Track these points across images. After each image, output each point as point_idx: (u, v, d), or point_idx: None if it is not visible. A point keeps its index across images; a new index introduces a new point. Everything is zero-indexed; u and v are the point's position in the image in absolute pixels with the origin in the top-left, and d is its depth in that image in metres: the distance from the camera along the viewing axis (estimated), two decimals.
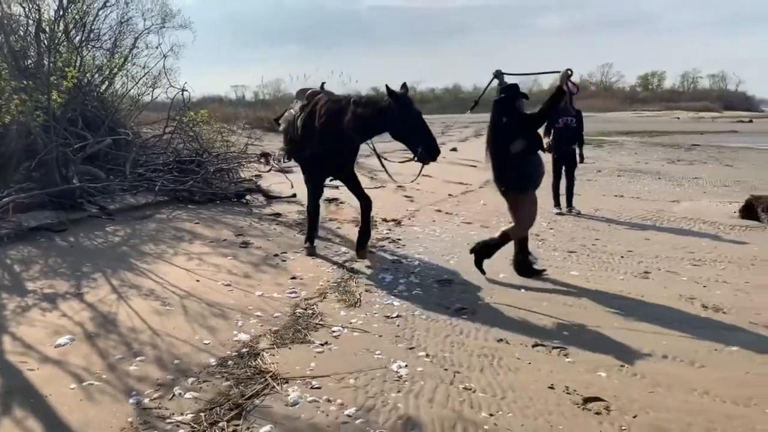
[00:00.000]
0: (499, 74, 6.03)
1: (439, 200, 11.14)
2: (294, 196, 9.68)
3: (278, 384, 3.72)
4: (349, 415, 3.39)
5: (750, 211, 9.00)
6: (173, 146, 10.71)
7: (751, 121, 49.00)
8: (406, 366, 4.02)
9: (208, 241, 7.08)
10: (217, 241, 7.12)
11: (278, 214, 8.55)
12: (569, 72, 5.77)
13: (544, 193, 9.89)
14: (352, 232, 7.95)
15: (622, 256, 6.95)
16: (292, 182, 10.11)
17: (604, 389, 3.71)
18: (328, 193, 10.38)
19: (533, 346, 4.42)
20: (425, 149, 5.89)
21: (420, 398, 3.60)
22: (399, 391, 3.67)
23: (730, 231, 8.44)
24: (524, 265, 6.15)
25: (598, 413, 3.44)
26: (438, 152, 5.97)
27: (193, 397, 3.56)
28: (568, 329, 4.74)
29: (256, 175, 11.25)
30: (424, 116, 6.05)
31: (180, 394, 3.59)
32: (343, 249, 7.12)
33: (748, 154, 21.58)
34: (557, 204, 9.94)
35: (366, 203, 6.59)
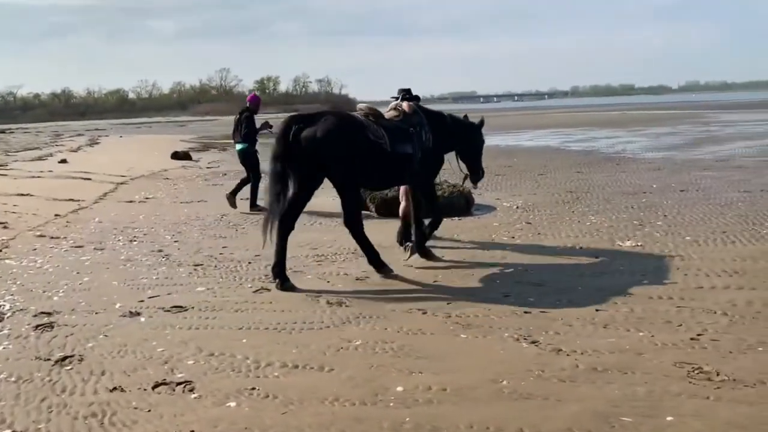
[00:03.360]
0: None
1: (42, 223, 9.48)
2: None
3: None
4: None
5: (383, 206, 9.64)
6: None
7: None
8: None
9: None
10: None
11: None
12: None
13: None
14: None
15: (249, 262, 6.74)
16: None
17: (234, 423, 3.31)
18: None
19: (154, 387, 3.79)
20: (482, 173, 7.27)
21: None
22: None
23: None
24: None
25: None
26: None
27: None
28: (194, 358, 4.23)
29: None
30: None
31: None
32: None
33: None
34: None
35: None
